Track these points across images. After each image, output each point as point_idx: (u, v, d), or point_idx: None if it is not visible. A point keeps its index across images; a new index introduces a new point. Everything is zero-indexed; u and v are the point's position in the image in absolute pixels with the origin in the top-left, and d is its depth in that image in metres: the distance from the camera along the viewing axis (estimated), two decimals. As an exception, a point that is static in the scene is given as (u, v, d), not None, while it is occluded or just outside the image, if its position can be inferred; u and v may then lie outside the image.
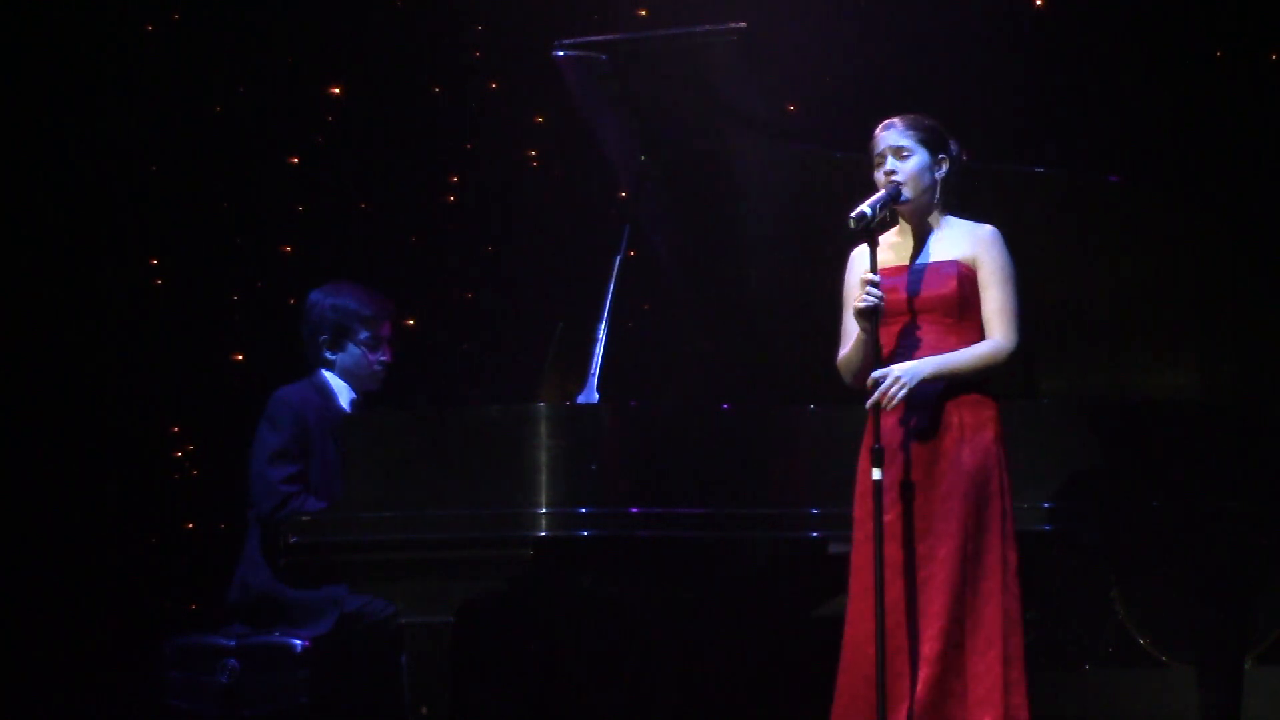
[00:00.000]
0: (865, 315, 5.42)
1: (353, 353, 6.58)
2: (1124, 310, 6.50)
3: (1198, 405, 6.25)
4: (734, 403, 6.11)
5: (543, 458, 5.79)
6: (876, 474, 5.34)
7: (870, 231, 5.41)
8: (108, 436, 8.19)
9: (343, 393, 6.57)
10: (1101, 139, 8.12)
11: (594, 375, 6.21)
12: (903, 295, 5.49)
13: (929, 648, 5.32)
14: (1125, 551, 6.47)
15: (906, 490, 5.39)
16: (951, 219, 5.57)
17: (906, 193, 5.50)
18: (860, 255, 5.50)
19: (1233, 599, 6.22)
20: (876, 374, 5.39)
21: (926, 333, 5.47)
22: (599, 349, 6.25)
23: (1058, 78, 8.20)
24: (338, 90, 8.50)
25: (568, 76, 6.28)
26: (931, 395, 5.42)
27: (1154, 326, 6.51)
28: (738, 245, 6.61)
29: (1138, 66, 8.17)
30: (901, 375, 5.38)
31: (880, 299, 5.40)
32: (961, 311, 5.46)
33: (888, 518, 5.38)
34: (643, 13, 8.17)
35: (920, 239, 5.56)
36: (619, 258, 6.40)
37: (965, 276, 5.47)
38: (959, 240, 5.52)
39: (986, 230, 5.53)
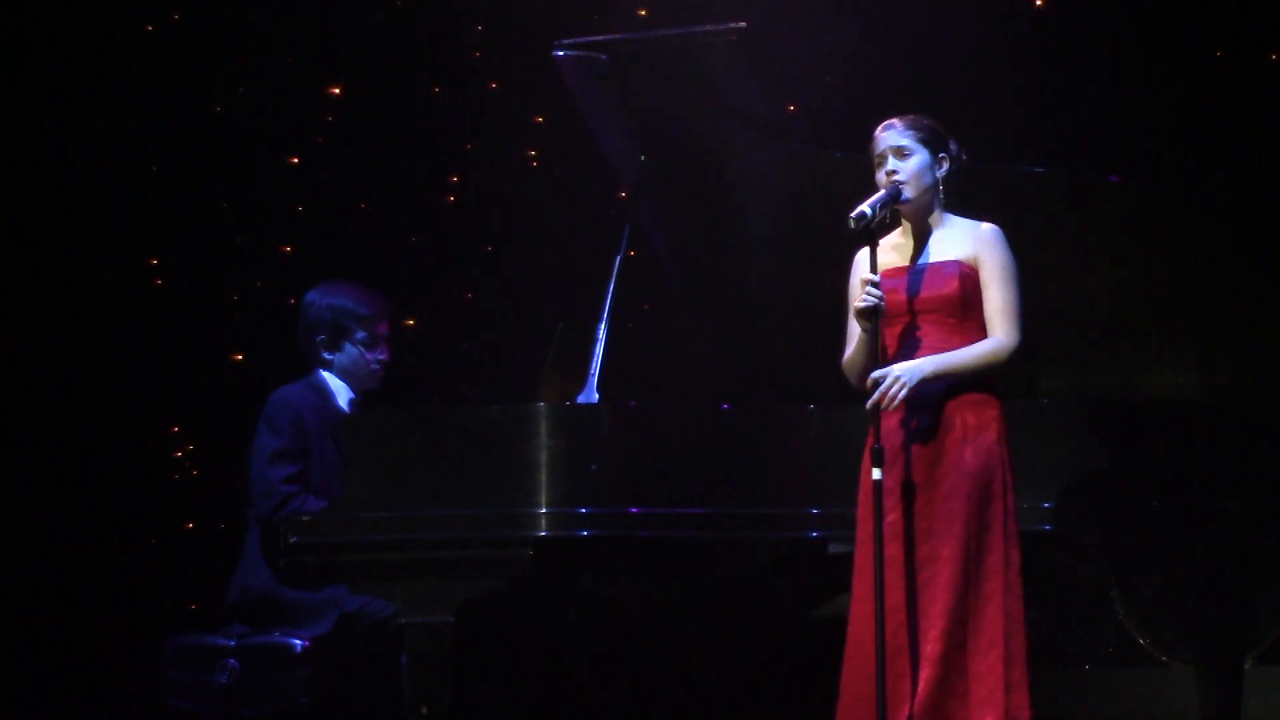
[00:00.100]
0: (865, 315, 5.43)
1: (350, 352, 6.58)
2: (1124, 310, 6.50)
3: (1198, 405, 6.25)
4: (734, 403, 6.10)
5: (543, 458, 5.79)
6: (877, 474, 5.34)
7: (870, 231, 5.41)
8: (108, 436, 8.18)
9: (341, 392, 6.57)
10: (1101, 139, 8.12)
11: (594, 375, 6.21)
12: (905, 296, 5.49)
13: (931, 648, 5.32)
14: (1125, 551, 6.47)
15: (909, 491, 5.39)
16: (953, 218, 5.57)
17: (908, 192, 5.49)
18: (864, 256, 5.50)
19: (1233, 599, 6.22)
20: (876, 374, 5.39)
21: (929, 333, 5.47)
22: (599, 349, 6.25)
23: (1058, 78, 8.19)
24: (338, 90, 8.50)
25: (568, 76, 6.28)
26: (934, 395, 5.42)
27: (1154, 326, 6.51)
28: (738, 245, 6.61)
29: (1138, 66, 8.17)
30: (901, 375, 5.37)
31: (880, 299, 5.40)
32: (964, 311, 5.46)
33: (890, 518, 5.38)
34: (643, 13, 8.16)
35: (922, 239, 5.56)
36: (619, 258, 6.40)
37: (967, 276, 5.47)
38: (961, 239, 5.52)
39: (988, 229, 5.53)
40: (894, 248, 5.58)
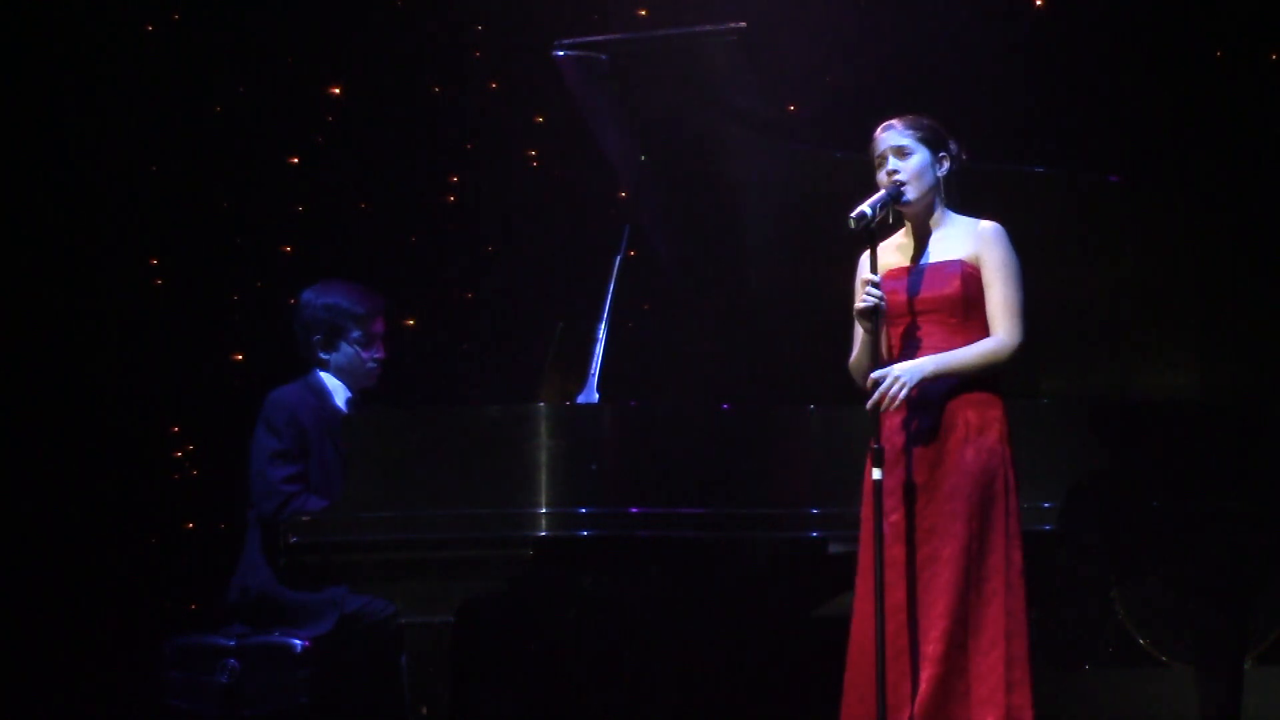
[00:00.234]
0: (866, 316, 5.43)
1: (346, 352, 6.58)
2: (1124, 310, 6.50)
3: (1198, 405, 6.25)
4: (734, 403, 6.10)
5: (543, 458, 5.79)
6: (876, 474, 5.34)
7: (870, 231, 5.41)
8: (108, 436, 8.18)
9: (338, 392, 6.57)
10: (1101, 139, 8.12)
11: (594, 375, 6.22)
12: (907, 296, 5.49)
13: (932, 648, 5.32)
14: (1125, 551, 6.47)
15: (911, 492, 5.39)
16: (954, 217, 5.56)
17: (910, 192, 5.49)
18: (868, 257, 5.50)
19: (1233, 599, 6.22)
20: (876, 374, 5.39)
21: (931, 333, 5.47)
22: (599, 349, 6.25)
23: (1058, 78, 8.19)
24: (338, 90, 8.49)
25: (568, 76, 6.27)
26: (936, 395, 5.42)
27: (1154, 326, 6.51)
28: (738, 245, 6.61)
29: (1138, 66, 8.17)
30: (901, 375, 5.37)
31: (880, 299, 5.39)
32: (966, 311, 5.46)
33: (892, 519, 5.38)
34: (643, 13, 8.16)
35: (925, 239, 5.56)
36: (619, 258, 6.41)
37: (969, 275, 5.47)
38: (962, 238, 5.52)
39: (989, 226, 5.53)
40: (897, 248, 5.58)
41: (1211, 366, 6.56)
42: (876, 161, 5.53)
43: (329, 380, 6.57)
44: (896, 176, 5.49)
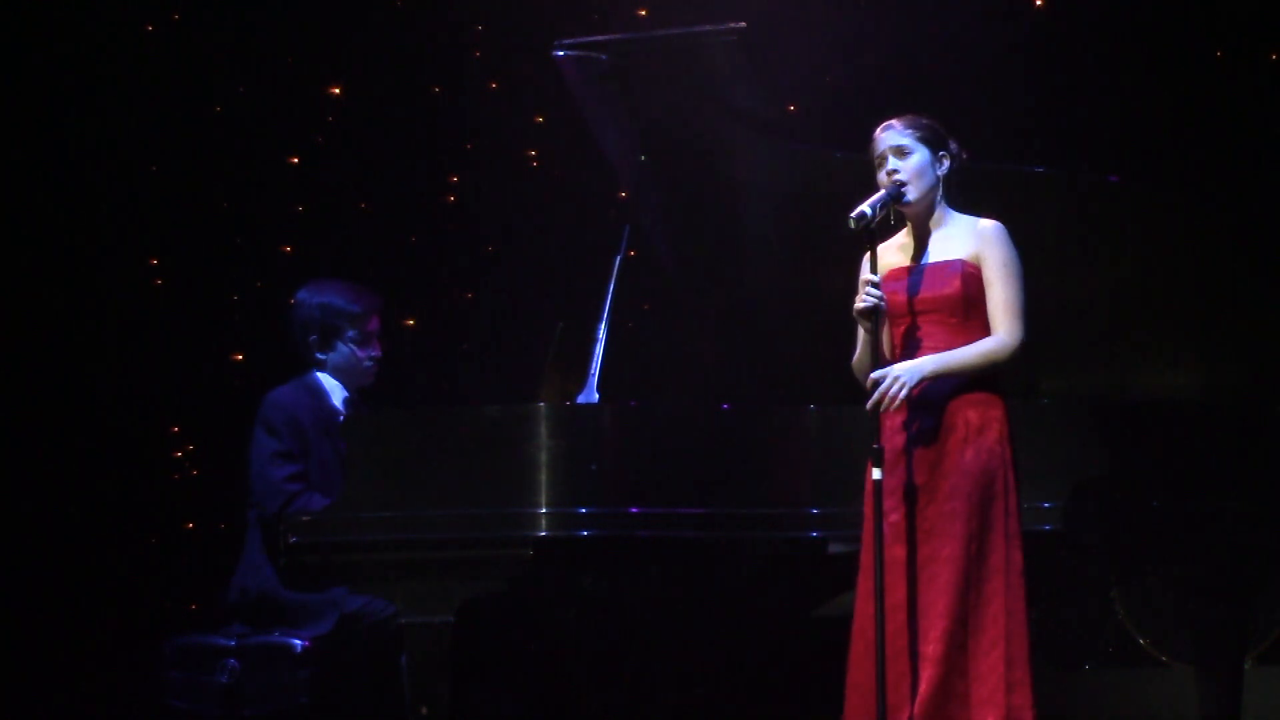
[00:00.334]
0: (865, 316, 5.43)
1: (343, 351, 6.57)
2: (1124, 310, 6.50)
3: (1198, 405, 6.25)
4: (734, 403, 6.10)
5: (543, 458, 5.79)
6: (876, 474, 5.34)
7: (870, 231, 5.41)
8: (108, 436, 8.18)
9: (335, 391, 6.56)
10: (1101, 139, 8.12)
11: (594, 375, 6.22)
12: (907, 296, 5.49)
13: (932, 648, 5.32)
14: (1125, 551, 6.47)
15: (911, 492, 5.39)
16: (956, 216, 5.56)
17: (911, 192, 5.49)
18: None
19: (1233, 599, 6.22)
20: (876, 374, 5.38)
21: (931, 333, 5.46)
22: (599, 349, 6.25)
23: (1058, 78, 8.19)
24: (338, 90, 8.50)
25: (568, 76, 6.27)
26: (937, 395, 5.41)
27: (1154, 326, 6.50)
28: (738, 245, 6.61)
29: (1138, 66, 8.17)
30: (901, 375, 5.37)
31: (879, 299, 5.39)
32: (967, 310, 5.46)
33: (892, 519, 5.38)
34: (643, 13, 8.16)
35: (926, 238, 5.55)
36: (619, 258, 6.41)
37: (970, 275, 5.47)
38: (963, 238, 5.51)
39: (989, 225, 5.52)
40: (899, 248, 5.58)
41: (1211, 366, 6.56)
42: (876, 162, 5.53)
43: (326, 380, 6.56)
44: (896, 176, 5.49)
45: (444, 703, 5.84)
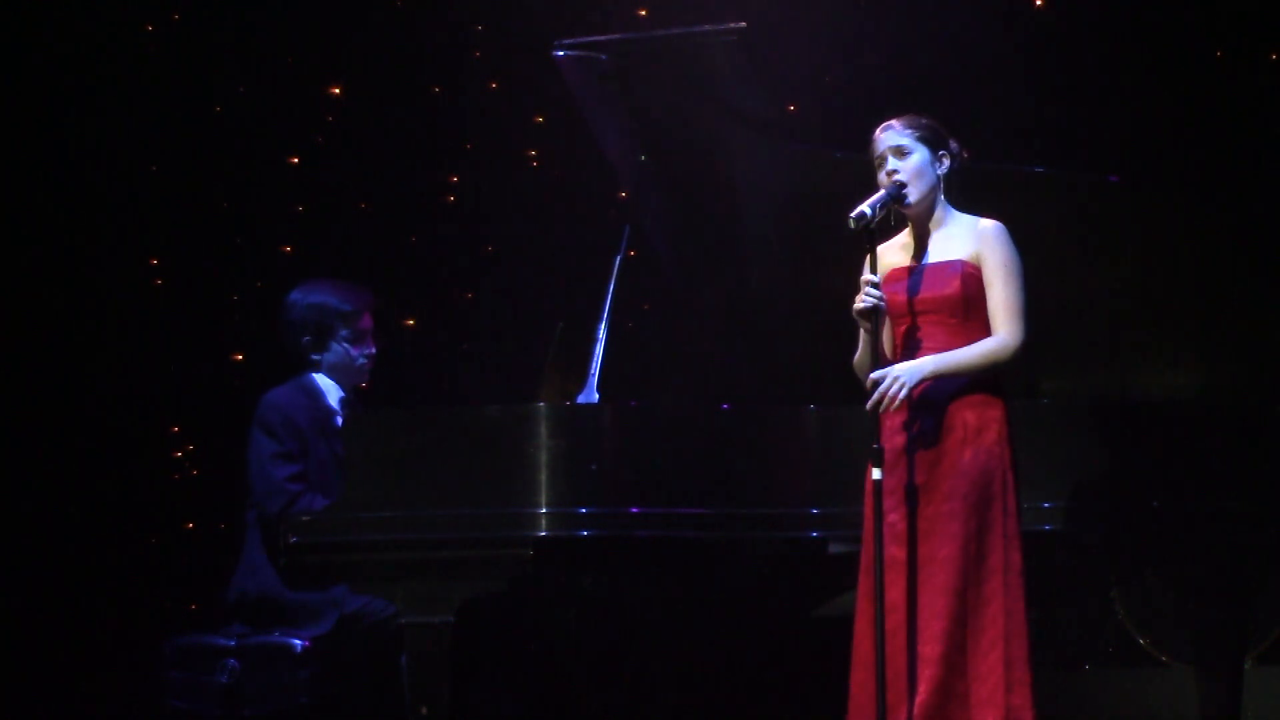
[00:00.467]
0: (865, 316, 5.43)
1: (337, 350, 6.56)
2: (1124, 310, 6.50)
3: (1198, 405, 6.25)
4: (734, 403, 6.10)
5: (543, 458, 5.79)
6: (876, 474, 5.34)
7: (870, 231, 5.41)
8: (108, 436, 8.18)
9: (331, 391, 6.56)
10: (1101, 139, 8.12)
11: (594, 375, 6.22)
12: (907, 296, 5.49)
13: (931, 649, 5.32)
14: (1125, 551, 6.47)
15: (911, 492, 5.39)
16: (957, 216, 5.56)
17: (911, 192, 5.48)
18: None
19: (1233, 599, 6.22)
20: (875, 375, 5.38)
21: (931, 334, 5.46)
22: (599, 349, 6.25)
23: (1058, 78, 8.19)
24: (338, 90, 8.50)
25: (568, 76, 6.27)
26: (936, 396, 5.41)
27: (1154, 326, 6.51)
28: (738, 245, 6.61)
29: (1138, 66, 8.17)
30: (901, 375, 5.37)
31: (879, 299, 5.39)
32: (966, 311, 5.45)
33: (891, 519, 5.38)
34: (643, 13, 8.16)
35: (926, 239, 5.55)
36: (619, 258, 6.41)
37: (970, 275, 5.46)
38: (963, 238, 5.51)
39: (990, 225, 5.52)
40: (901, 247, 5.58)
41: (1211, 366, 6.56)
42: (876, 162, 5.53)
43: (322, 380, 6.56)
44: (896, 177, 5.48)
45: (444, 703, 5.84)
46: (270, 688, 6.25)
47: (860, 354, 5.55)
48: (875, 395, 5.36)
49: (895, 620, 5.35)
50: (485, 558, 5.82)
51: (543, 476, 5.79)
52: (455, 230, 8.49)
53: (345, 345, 6.55)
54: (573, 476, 5.80)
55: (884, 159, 5.51)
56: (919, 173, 5.50)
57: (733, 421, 6.02)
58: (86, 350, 8.24)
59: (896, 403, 5.36)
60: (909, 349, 5.48)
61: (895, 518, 5.39)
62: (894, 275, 5.52)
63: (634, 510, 5.82)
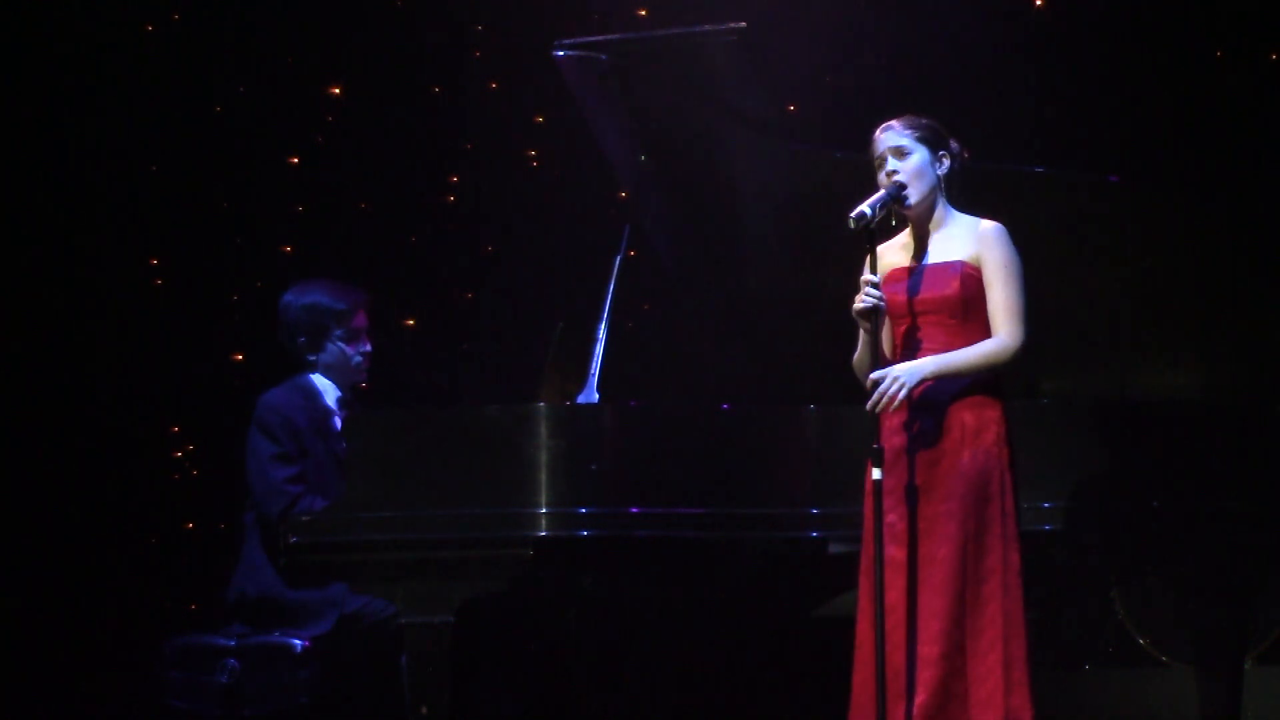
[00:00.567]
0: (864, 316, 5.43)
1: (332, 350, 6.57)
2: (1124, 310, 6.50)
3: (1198, 405, 6.25)
4: (734, 403, 6.10)
5: (542, 458, 5.79)
6: (876, 474, 5.34)
7: (870, 231, 5.40)
8: (108, 436, 8.18)
9: (329, 392, 6.56)
10: (1101, 139, 8.12)
11: (594, 375, 6.22)
12: (909, 296, 5.48)
13: (929, 650, 5.32)
14: (1125, 551, 6.47)
15: (910, 493, 5.39)
16: (957, 216, 5.55)
17: (911, 192, 5.48)
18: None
19: (1233, 599, 6.22)
20: (875, 375, 5.38)
21: (930, 334, 5.46)
22: (599, 349, 6.25)
23: (1058, 78, 8.19)
24: (338, 90, 8.50)
25: (568, 76, 6.27)
26: (936, 397, 5.41)
27: (1154, 326, 6.51)
28: (738, 245, 6.61)
29: (1138, 66, 8.17)
30: (900, 376, 5.37)
31: (879, 299, 5.39)
32: (966, 312, 5.45)
33: (889, 519, 5.38)
34: (643, 13, 8.16)
35: (926, 239, 5.55)
36: (619, 258, 6.41)
37: (969, 276, 5.46)
38: (963, 239, 5.51)
39: (990, 226, 5.52)
40: (901, 247, 5.58)
41: (1211, 366, 6.56)
42: (876, 163, 5.53)
43: (319, 381, 6.56)
44: (896, 177, 5.48)
45: (444, 703, 5.84)
46: (270, 688, 6.25)
47: (860, 354, 5.55)
48: (875, 395, 5.36)
49: (894, 620, 5.35)
50: (485, 558, 5.82)
51: (543, 476, 5.79)
52: (455, 230, 8.49)
53: (340, 344, 6.55)
54: (573, 476, 5.80)
55: (884, 159, 5.51)
56: (919, 173, 5.50)
57: (733, 421, 6.02)
58: (87, 350, 8.24)
59: (896, 403, 5.36)
60: (909, 349, 5.48)
61: (894, 518, 5.39)
62: (894, 275, 5.51)
63: (634, 510, 5.82)
